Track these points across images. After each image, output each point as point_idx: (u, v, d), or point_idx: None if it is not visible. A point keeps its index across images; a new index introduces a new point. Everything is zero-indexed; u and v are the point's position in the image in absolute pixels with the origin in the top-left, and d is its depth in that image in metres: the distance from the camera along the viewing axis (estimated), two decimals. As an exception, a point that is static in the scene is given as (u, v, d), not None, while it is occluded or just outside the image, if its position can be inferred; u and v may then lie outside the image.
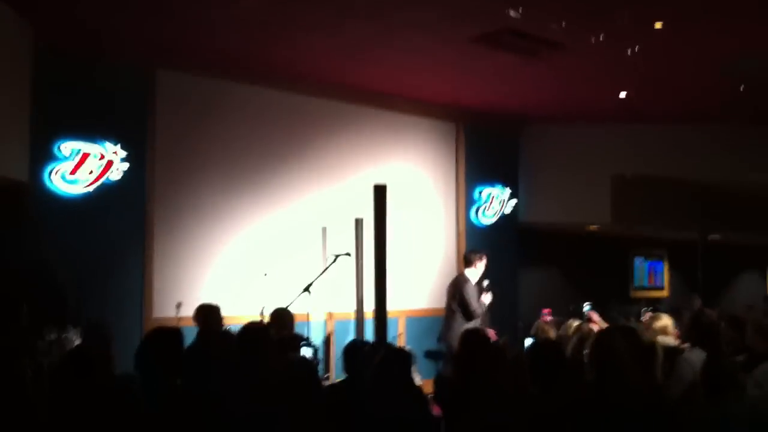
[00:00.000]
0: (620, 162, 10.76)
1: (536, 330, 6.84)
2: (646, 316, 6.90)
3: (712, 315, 7.54)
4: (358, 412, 4.33)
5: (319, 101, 8.83)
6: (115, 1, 6.39)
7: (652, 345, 5.07)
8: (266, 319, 6.78)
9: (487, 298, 8.35)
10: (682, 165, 10.78)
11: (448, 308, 8.45)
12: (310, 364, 4.20)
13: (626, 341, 4.03)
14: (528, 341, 7.34)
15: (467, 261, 8.55)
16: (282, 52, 7.63)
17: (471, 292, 8.25)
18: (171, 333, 4.63)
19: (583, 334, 5.47)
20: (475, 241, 9.85)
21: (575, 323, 6.74)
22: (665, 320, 6.10)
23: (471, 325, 7.99)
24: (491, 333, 8.13)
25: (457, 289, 8.38)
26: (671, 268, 14.50)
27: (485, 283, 8.39)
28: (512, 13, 6.44)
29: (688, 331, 5.64)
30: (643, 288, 13.83)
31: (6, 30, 6.49)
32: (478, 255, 8.51)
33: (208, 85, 8.05)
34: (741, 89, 8.73)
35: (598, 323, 7.39)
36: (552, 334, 6.60)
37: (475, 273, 8.42)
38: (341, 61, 7.93)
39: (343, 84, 8.78)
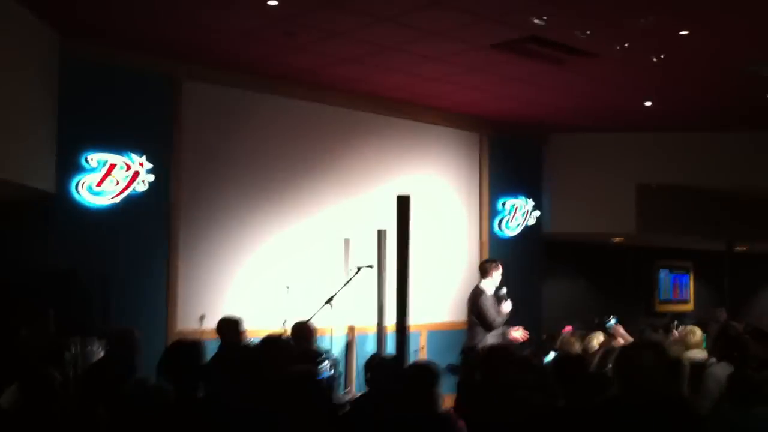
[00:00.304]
0: (646, 171, 10.68)
1: (560, 343, 6.78)
2: (678, 330, 6.83)
3: (739, 328, 7.46)
4: (377, 428, 4.31)
5: (342, 111, 8.86)
6: (141, 11, 6.46)
7: (679, 360, 5.03)
8: (288, 332, 6.78)
9: (506, 306, 8.19)
10: (709, 174, 10.69)
11: (469, 321, 8.37)
12: (311, 377, 4.19)
13: (652, 356, 3.98)
14: (551, 354, 7.30)
15: (482, 271, 8.44)
16: (306, 61, 7.67)
17: (488, 303, 8.12)
18: (192, 345, 4.66)
19: (608, 349, 5.42)
20: (499, 252, 9.79)
21: (599, 336, 6.69)
22: (699, 335, 6.04)
23: (492, 336, 7.92)
24: (517, 334, 8.06)
25: (474, 300, 8.27)
26: (696, 281, 14.36)
27: (503, 291, 8.25)
28: (536, 20, 6.42)
29: (715, 344, 5.59)
30: (669, 301, 13.69)
31: (33, 40, 6.58)
32: (493, 264, 8.40)
33: (232, 96, 8.10)
34: (767, 96, 8.66)
35: (623, 337, 7.31)
36: (577, 347, 6.55)
37: (491, 283, 8.27)
38: (364, 69, 7.95)
39: (366, 93, 8.80)
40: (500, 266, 8.38)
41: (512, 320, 8.29)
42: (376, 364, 5.13)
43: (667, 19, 6.47)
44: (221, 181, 8.00)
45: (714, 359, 5.51)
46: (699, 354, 5.84)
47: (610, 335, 7.19)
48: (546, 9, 6.28)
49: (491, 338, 7.90)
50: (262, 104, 8.31)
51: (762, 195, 11.89)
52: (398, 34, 6.91)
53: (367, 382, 5.08)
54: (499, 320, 8.10)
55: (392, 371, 4.90)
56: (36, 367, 4.67)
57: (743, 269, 12.69)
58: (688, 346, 5.90)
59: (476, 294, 8.28)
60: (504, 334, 8.12)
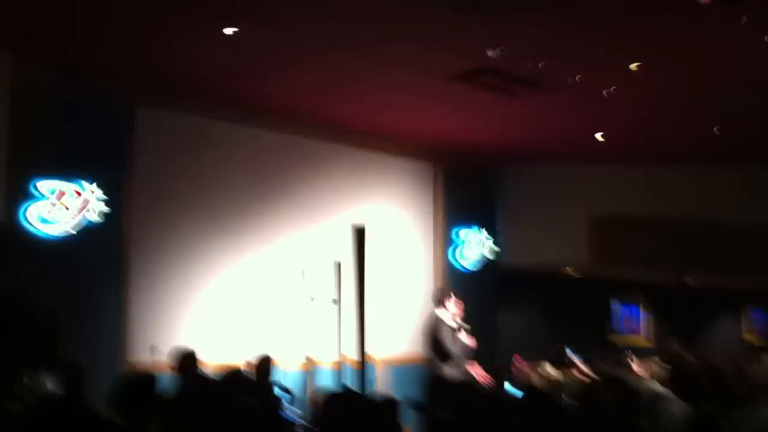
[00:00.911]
0: (598, 203, 10.80)
1: (519, 379, 6.74)
2: (633, 361, 6.88)
3: (693, 362, 7.55)
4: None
5: (297, 139, 8.82)
6: (94, 38, 6.39)
7: (636, 391, 5.05)
8: (244, 365, 6.66)
9: (463, 336, 8.06)
10: (661, 205, 10.84)
11: (427, 353, 8.25)
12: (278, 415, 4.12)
13: (614, 393, 4.00)
14: (506, 385, 7.29)
15: (436, 299, 8.34)
16: (261, 89, 7.64)
17: (445, 332, 7.97)
18: (144, 377, 4.59)
19: (567, 381, 5.43)
20: (454, 283, 9.77)
21: (549, 367, 6.71)
22: (654, 367, 6.09)
23: (450, 367, 7.78)
24: (477, 371, 7.90)
25: (430, 330, 8.12)
26: (648, 312, 14.51)
27: (458, 320, 8.11)
28: (491, 52, 6.49)
29: (669, 379, 5.62)
30: (621, 332, 13.82)
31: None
32: (446, 291, 8.34)
33: (188, 123, 8.01)
34: (716, 130, 8.85)
35: (578, 368, 7.33)
36: (535, 378, 6.54)
37: (446, 312, 8.16)
38: (320, 98, 7.94)
39: (322, 122, 8.78)
40: (453, 295, 8.28)
41: (471, 348, 8.18)
42: (331, 398, 5.04)
43: (618, 54, 6.59)
44: (175, 210, 7.88)
45: (669, 392, 5.55)
46: (655, 386, 5.88)
47: (565, 365, 7.21)
48: (500, 41, 6.34)
49: (448, 370, 7.80)
50: (218, 132, 8.23)
51: (713, 228, 12.11)
52: (355, 64, 6.93)
53: (323, 418, 4.96)
54: (454, 350, 7.96)
55: (351, 405, 4.81)
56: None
57: (694, 301, 12.87)
58: (645, 378, 5.95)
59: (433, 323, 8.15)
60: (460, 366, 8.00)
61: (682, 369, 5.52)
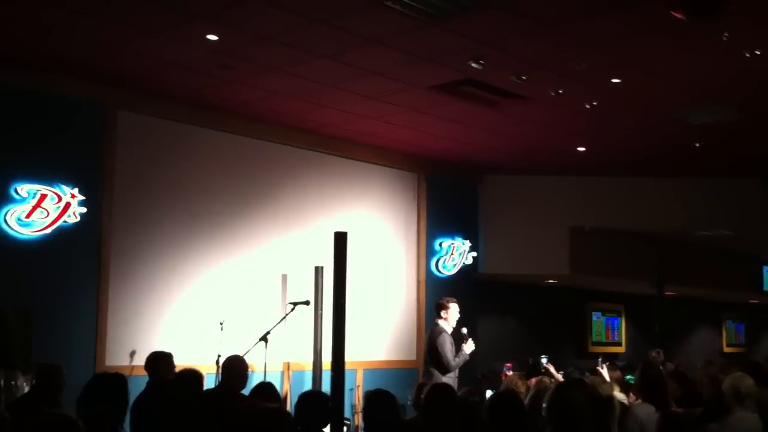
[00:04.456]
0: (578, 214, 10.88)
1: (507, 384, 6.70)
2: (603, 369, 6.91)
3: (664, 368, 7.60)
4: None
5: (280, 146, 8.83)
6: (75, 41, 6.39)
7: (610, 398, 5.09)
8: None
9: (468, 346, 7.98)
10: (640, 217, 10.93)
11: (425, 360, 8.16)
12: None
13: (584, 395, 4.03)
14: (489, 393, 7.28)
15: (438, 308, 8.22)
16: (244, 95, 7.66)
17: (446, 343, 7.87)
18: (114, 378, 4.56)
19: (540, 387, 5.45)
20: (435, 292, 9.81)
21: (517, 378, 6.72)
22: (618, 374, 6.14)
23: (448, 378, 7.63)
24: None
25: (431, 340, 8.03)
26: (628, 323, 14.60)
27: (464, 330, 8.05)
28: (473, 63, 6.55)
29: (637, 385, 5.66)
30: (601, 343, 13.89)
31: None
32: (449, 300, 8.21)
33: (169, 127, 8.01)
34: (697, 145, 8.95)
35: (555, 377, 7.35)
36: (521, 386, 6.53)
37: (447, 322, 8.09)
38: (302, 105, 7.97)
39: (305, 129, 8.81)
40: (454, 304, 8.20)
41: (472, 355, 8.16)
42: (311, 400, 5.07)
43: (600, 67, 6.67)
44: (155, 214, 7.87)
45: (639, 400, 5.60)
46: (621, 395, 5.93)
47: (544, 374, 7.22)
48: (483, 53, 6.40)
49: (447, 381, 7.64)
50: (199, 136, 8.24)
51: (691, 239, 12.23)
52: (336, 72, 6.96)
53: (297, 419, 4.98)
54: (455, 363, 7.87)
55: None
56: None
57: (673, 312, 12.95)
58: (611, 386, 5.98)
59: (434, 333, 8.05)
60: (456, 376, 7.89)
61: (650, 373, 5.56)
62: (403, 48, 6.39)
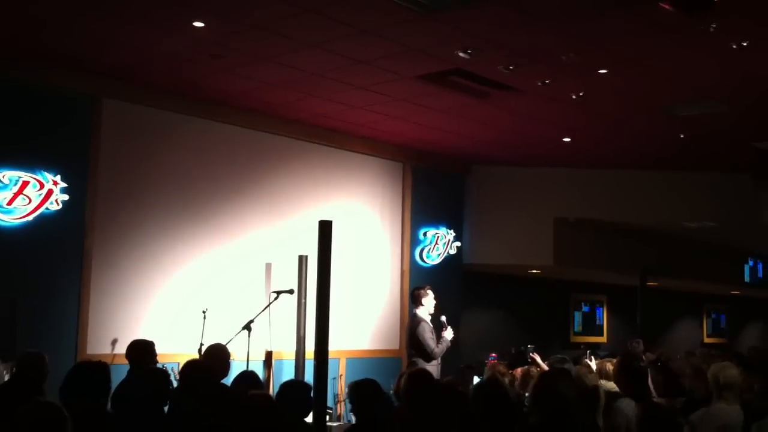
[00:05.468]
0: (563, 205, 10.90)
1: (490, 373, 6.73)
2: (591, 361, 6.94)
3: (644, 358, 7.63)
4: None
5: (266, 135, 8.78)
6: (61, 27, 6.31)
7: (596, 388, 5.10)
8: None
9: (448, 333, 8.06)
10: (624, 210, 10.97)
11: (408, 352, 8.19)
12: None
13: (570, 384, 4.03)
14: (476, 381, 7.31)
15: (414, 298, 8.32)
16: (231, 84, 7.60)
17: (426, 332, 7.94)
18: (96, 366, 4.53)
19: (526, 376, 5.46)
20: (419, 281, 9.79)
21: (500, 366, 6.75)
22: (610, 366, 6.15)
23: (432, 366, 7.68)
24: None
25: (411, 330, 8.09)
26: (610, 314, 14.68)
27: (443, 318, 8.11)
28: (461, 53, 6.52)
29: (617, 377, 5.67)
30: (583, 333, 13.97)
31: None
32: (423, 290, 8.28)
33: (155, 116, 7.94)
34: (682, 136, 8.98)
35: (540, 366, 7.39)
36: (506, 375, 6.56)
37: (426, 310, 8.17)
38: (289, 95, 7.91)
39: (291, 118, 8.76)
40: (430, 291, 8.27)
41: (453, 342, 8.19)
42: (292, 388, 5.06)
43: (588, 58, 6.66)
44: (140, 203, 7.81)
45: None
46: (610, 384, 5.94)
47: (531, 364, 7.25)
48: (471, 43, 6.38)
49: (430, 369, 7.72)
50: (185, 126, 8.18)
51: (674, 231, 12.28)
52: (324, 61, 6.91)
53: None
54: (438, 350, 7.94)
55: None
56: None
57: (655, 303, 13.04)
58: (604, 377, 6.00)
59: (413, 323, 8.11)
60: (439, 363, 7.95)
61: (629, 365, 5.57)
62: (391, 37, 6.35)
